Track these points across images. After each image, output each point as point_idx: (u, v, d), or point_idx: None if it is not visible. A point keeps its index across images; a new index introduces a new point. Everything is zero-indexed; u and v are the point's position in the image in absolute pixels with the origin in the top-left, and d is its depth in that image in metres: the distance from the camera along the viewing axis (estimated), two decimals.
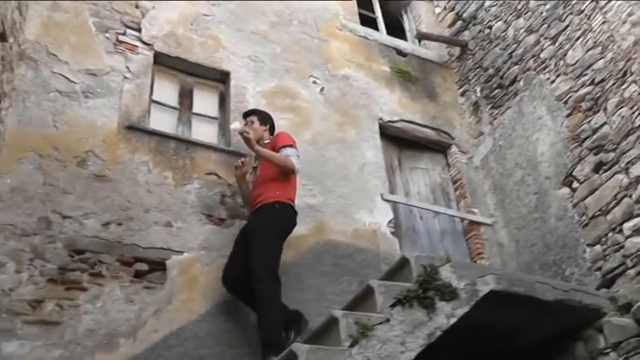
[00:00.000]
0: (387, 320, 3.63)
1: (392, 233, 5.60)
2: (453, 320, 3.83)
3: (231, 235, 4.85)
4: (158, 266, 4.46)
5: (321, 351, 3.39)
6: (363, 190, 5.73)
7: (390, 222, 5.66)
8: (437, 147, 6.82)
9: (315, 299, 4.81)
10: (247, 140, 4.61)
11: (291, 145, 4.66)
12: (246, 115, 5.08)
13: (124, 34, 5.42)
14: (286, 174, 4.59)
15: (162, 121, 5.26)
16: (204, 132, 5.47)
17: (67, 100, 4.80)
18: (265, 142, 4.85)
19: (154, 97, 5.36)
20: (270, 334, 4.02)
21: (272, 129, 5.04)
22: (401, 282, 3.98)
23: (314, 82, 6.24)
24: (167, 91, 5.52)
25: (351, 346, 3.45)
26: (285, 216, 4.50)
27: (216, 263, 4.66)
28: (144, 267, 4.39)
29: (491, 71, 6.88)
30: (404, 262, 4.14)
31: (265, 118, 5.05)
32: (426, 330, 3.72)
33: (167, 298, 4.36)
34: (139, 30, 5.50)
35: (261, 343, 4.06)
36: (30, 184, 4.33)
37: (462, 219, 6.37)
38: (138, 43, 5.44)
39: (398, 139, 6.57)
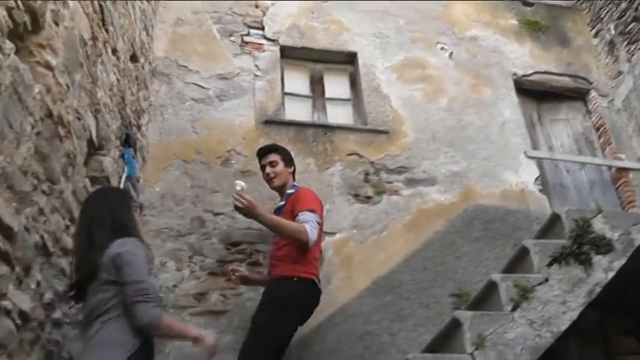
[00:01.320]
0: (546, 280, 3.53)
1: (540, 191, 5.42)
2: (611, 274, 3.63)
3: (380, 212, 4.95)
4: None
5: (485, 316, 3.38)
6: (505, 149, 5.57)
7: (536, 179, 5.47)
8: (575, 95, 6.45)
9: (472, 266, 4.77)
10: (242, 210, 3.37)
11: (312, 210, 3.60)
12: (264, 152, 4.05)
13: (248, 34, 5.63)
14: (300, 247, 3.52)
15: (298, 111, 5.42)
16: (340, 115, 5.56)
17: (202, 106, 5.08)
18: (289, 192, 3.86)
19: (286, 90, 5.52)
20: None
21: (294, 170, 4.10)
22: (554, 239, 3.84)
23: (442, 49, 6.13)
24: (298, 81, 5.67)
25: (513, 309, 3.41)
26: (303, 293, 3.55)
27: (369, 241, 4.77)
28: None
29: (624, 5, 6.41)
30: (555, 219, 3.98)
31: (289, 157, 4.08)
32: (585, 287, 3.57)
33: (326, 278, 4.52)
34: (262, 28, 5.69)
35: None
36: (178, 188, 4.64)
37: (609, 167, 6.02)
38: (263, 41, 5.63)
39: (534, 93, 6.30)
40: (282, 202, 3.82)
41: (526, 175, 5.46)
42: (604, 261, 3.69)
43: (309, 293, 3.54)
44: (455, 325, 3.38)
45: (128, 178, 3.92)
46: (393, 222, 4.92)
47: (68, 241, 2.86)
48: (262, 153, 4.06)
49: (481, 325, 3.31)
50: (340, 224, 4.81)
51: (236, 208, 3.38)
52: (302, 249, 3.48)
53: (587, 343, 4.36)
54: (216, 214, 4.60)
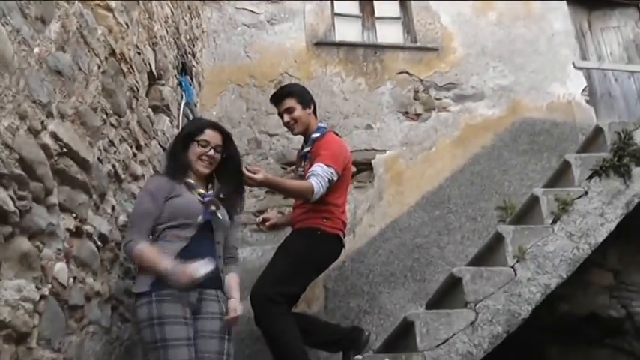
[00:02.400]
0: (586, 193, 3.58)
1: (587, 102, 5.37)
2: None
3: (429, 128, 5.04)
4: (365, 167, 4.81)
5: (526, 230, 3.49)
6: (553, 61, 5.49)
7: (583, 90, 5.41)
8: (628, 0, 6.21)
9: (518, 179, 4.86)
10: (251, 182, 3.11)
11: (328, 165, 3.36)
12: (278, 99, 3.67)
13: None
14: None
15: (348, 32, 5.44)
16: (390, 34, 5.56)
17: (254, 31, 5.16)
18: (314, 136, 3.59)
19: (336, 11, 5.52)
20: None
21: (315, 107, 3.73)
22: (596, 152, 3.86)
23: None
24: (347, 2, 5.64)
25: (553, 222, 3.50)
26: (326, 247, 3.46)
27: (418, 157, 4.90)
28: (352, 168, 4.74)
29: None
30: (598, 132, 3.99)
31: (305, 97, 3.67)
32: (623, 199, 3.60)
33: (378, 194, 4.72)
34: None
35: None
36: (234, 111, 4.84)
37: None
38: None
39: (586, 1, 6.09)
40: (308, 148, 3.57)
41: (573, 87, 5.40)
42: None
43: (331, 248, 3.47)
44: (498, 239, 3.52)
45: (186, 104, 4.11)
46: (441, 138, 5.02)
47: (137, 168, 3.10)
48: (276, 100, 3.68)
49: (522, 238, 3.43)
50: (391, 142, 4.93)
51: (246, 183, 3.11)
52: (327, 203, 3.39)
53: (626, 252, 4.42)
54: (272, 136, 4.78)
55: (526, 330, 3.96)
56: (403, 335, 3.34)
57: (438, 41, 5.39)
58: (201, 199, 2.72)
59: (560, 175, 3.90)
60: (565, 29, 5.69)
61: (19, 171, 1.86)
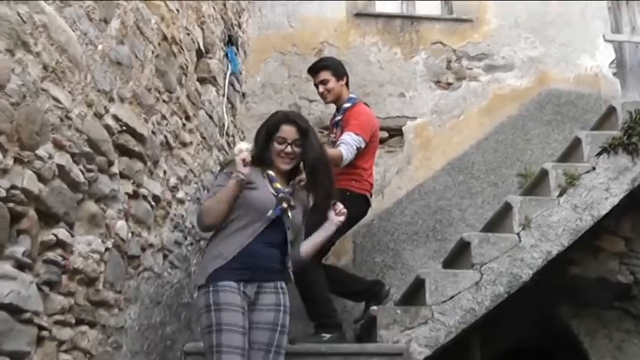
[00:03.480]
0: (593, 169, 3.77)
1: (613, 74, 5.47)
2: None
3: (459, 97, 5.29)
4: (396, 132, 5.12)
5: (533, 201, 3.75)
6: (584, 33, 5.56)
7: (611, 63, 5.50)
8: None
9: (540, 148, 5.07)
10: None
11: (357, 133, 3.72)
12: (315, 71, 4.05)
13: None
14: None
15: (387, 3, 5.66)
16: (427, 5, 5.72)
17: (297, 2, 5.40)
18: (346, 106, 3.94)
19: None
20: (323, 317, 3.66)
21: (348, 79, 4.09)
22: (608, 130, 4.02)
23: None
24: None
25: (560, 195, 3.73)
26: (354, 206, 3.59)
27: (447, 125, 5.17)
28: (384, 134, 5.01)
29: None
30: (611, 111, 4.13)
31: (339, 70, 4.03)
32: (629, 175, 3.77)
33: (406, 159, 5.04)
34: None
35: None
36: (277, 78, 5.18)
37: None
38: None
39: None
40: (340, 117, 3.92)
41: (602, 59, 5.49)
42: None
43: (359, 207, 3.78)
44: (507, 208, 3.80)
45: (232, 73, 4.48)
46: (470, 107, 5.25)
47: (185, 136, 3.51)
48: (312, 72, 4.07)
49: (529, 208, 3.69)
50: (421, 109, 5.21)
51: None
52: (356, 167, 3.74)
53: (639, 220, 4.59)
54: (311, 101, 5.11)
55: (540, 291, 4.32)
56: (415, 291, 3.72)
57: (473, 12, 5.54)
58: (275, 194, 2.66)
59: (572, 151, 4.11)
60: (599, 1, 5.73)
61: (87, 149, 2.29)
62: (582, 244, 4.05)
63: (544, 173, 3.93)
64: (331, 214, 2.88)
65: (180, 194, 3.38)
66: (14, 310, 1.81)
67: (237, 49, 4.69)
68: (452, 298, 3.48)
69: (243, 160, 2.57)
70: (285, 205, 2.64)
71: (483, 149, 5.08)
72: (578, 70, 5.44)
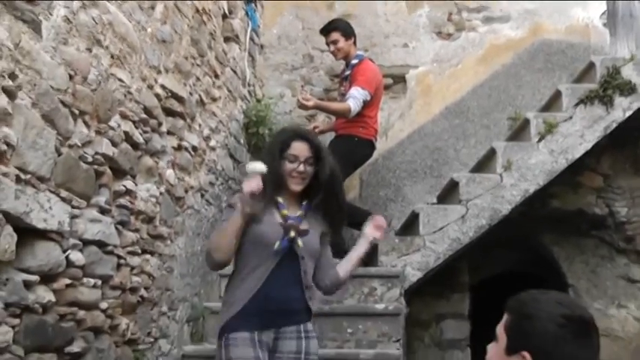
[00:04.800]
0: (570, 118, 4.20)
1: (603, 25, 5.75)
2: (628, 113, 4.21)
3: (458, 47, 5.68)
4: (399, 80, 5.56)
5: (515, 146, 4.24)
6: None
7: (602, 14, 5.77)
8: None
9: (530, 94, 5.45)
10: (304, 107, 4.23)
11: (362, 87, 4.21)
12: (326, 32, 4.54)
13: None
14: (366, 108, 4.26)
15: None
16: None
17: None
18: (353, 62, 4.41)
19: None
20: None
21: (355, 38, 4.56)
22: (588, 83, 4.41)
23: None
24: None
25: (539, 141, 4.19)
26: (361, 149, 4.35)
27: (446, 73, 5.59)
28: (389, 81, 5.45)
29: None
30: (591, 66, 4.51)
31: (348, 30, 4.51)
32: (603, 124, 4.20)
33: (408, 104, 5.51)
34: None
35: None
36: (292, 30, 5.59)
37: None
38: None
39: None
40: (349, 72, 4.40)
41: (593, 10, 5.74)
42: (625, 102, 4.25)
43: (366, 150, 4.40)
44: (492, 152, 4.30)
45: (252, 30, 4.92)
46: (467, 56, 5.64)
47: (215, 92, 4.01)
48: (324, 33, 4.56)
49: (511, 153, 4.18)
50: (423, 59, 5.62)
51: (300, 107, 4.26)
52: (363, 115, 4.26)
53: (618, 159, 5.03)
54: (323, 51, 5.51)
55: (525, 222, 4.86)
56: (411, 223, 4.30)
57: None
58: (282, 222, 2.35)
59: (553, 102, 4.55)
60: None
61: (143, 115, 2.82)
62: (564, 180, 4.54)
63: (526, 122, 4.40)
64: (367, 229, 2.49)
65: (212, 142, 3.92)
66: (101, 245, 2.41)
67: (255, 4, 5.10)
68: (441, 229, 4.04)
69: (252, 191, 2.22)
70: (292, 234, 2.32)
71: (478, 95, 5.50)
72: (570, 21, 5.73)
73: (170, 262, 3.15)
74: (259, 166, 2.27)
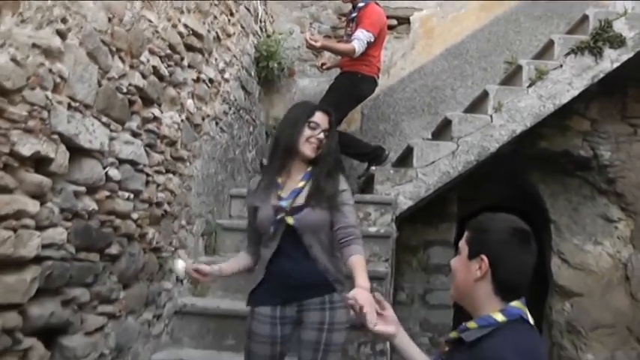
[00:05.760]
0: (560, 66, 4.44)
1: None
2: (616, 64, 4.43)
3: None
4: (404, 21, 5.78)
5: (507, 90, 4.51)
6: None
7: None
8: None
9: (528, 39, 5.66)
10: (312, 47, 4.69)
11: (367, 30, 4.53)
12: None
13: None
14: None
15: None
16: None
17: None
18: (360, 5, 4.68)
19: None
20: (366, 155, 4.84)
21: None
22: (580, 34, 4.59)
23: None
24: None
25: (529, 86, 4.44)
26: (364, 85, 4.70)
27: (449, 17, 5.78)
28: (393, 22, 5.69)
29: None
30: (584, 18, 4.69)
31: None
32: (591, 73, 4.44)
33: (411, 44, 5.75)
34: None
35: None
36: None
37: None
38: None
39: None
40: (355, 14, 4.68)
41: None
42: (613, 54, 4.46)
43: (368, 86, 4.74)
44: (485, 94, 4.56)
45: None
46: (472, 2, 5.79)
47: (230, 29, 4.27)
48: None
49: (502, 95, 4.44)
50: (428, 3, 5.80)
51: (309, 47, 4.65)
52: (367, 54, 4.58)
53: (606, 106, 5.32)
54: None
55: (515, 160, 5.18)
56: (406, 156, 4.64)
57: None
58: (274, 205, 2.48)
59: (546, 50, 4.76)
60: None
61: (168, 51, 3.12)
62: (553, 123, 4.85)
63: (519, 67, 4.65)
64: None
65: (226, 75, 4.22)
66: (133, 163, 2.77)
67: None
68: (433, 162, 4.36)
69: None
70: (281, 215, 2.45)
71: (478, 39, 5.72)
72: None
73: (189, 181, 3.52)
74: (178, 268, 2.59)
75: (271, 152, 2.62)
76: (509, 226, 1.62)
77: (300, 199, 2.49)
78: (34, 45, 1.96)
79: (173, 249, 3.32)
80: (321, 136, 2.53)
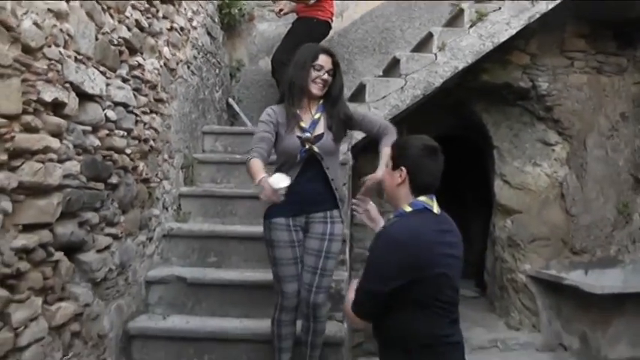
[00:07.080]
0: (499, 8, 4.89)
1: None
2: (551, 5, 4.88)
3: None
4: None
5: (449, 31, 4.98)
6: None
7: None
8: None
9: None
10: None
11: None
12: None
13: None
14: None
15: None
16: None
17: None
18: None
19: None
20: None
21: None
22: None
23: None
24: None
25: (470, 27, 4.92)
26: (319, 29, 5.24)
27: None
28: None
29: None
30: None
31: None
32: (527, 14, 4.89)
33: None
34: None
35: None
36: None
37: None
38: None
39: None
40: None
41: None
42: None
43: (323, 30, 5.30)
44: (430, 35, 5.02)
45: None
46: None
47: None
48: None
49: (446, 36, 4.92)
50: None
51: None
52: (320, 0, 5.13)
53: (545, 41, 5.82)
54: None
55: (460, 92, 5.70)
56: (359, 92, 5.13)
57: None
58: (300, 135, 2.91)
59: None
60: None
61: (146, 5, 3.51)
62: (495, 58, 5.33)
63: (461, 11, 5.11)
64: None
65: (194, 23, 4.60)
66: (125, 105, 3.19)
67: None
68: (384, 97, 4.85)
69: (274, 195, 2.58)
70: (307, 146, 2.89)
71: None
72: None
73: (168, 120, 3.97)
74: (283, 183, 2.59)
75: (288, 90, 2.98)
76: (421, 143, 2.18)
77: (320, 128, 2.95)
78: (49, 10, 2.37)
79: (159, 180, 3.81)
80: (326, 76, 2.93)
